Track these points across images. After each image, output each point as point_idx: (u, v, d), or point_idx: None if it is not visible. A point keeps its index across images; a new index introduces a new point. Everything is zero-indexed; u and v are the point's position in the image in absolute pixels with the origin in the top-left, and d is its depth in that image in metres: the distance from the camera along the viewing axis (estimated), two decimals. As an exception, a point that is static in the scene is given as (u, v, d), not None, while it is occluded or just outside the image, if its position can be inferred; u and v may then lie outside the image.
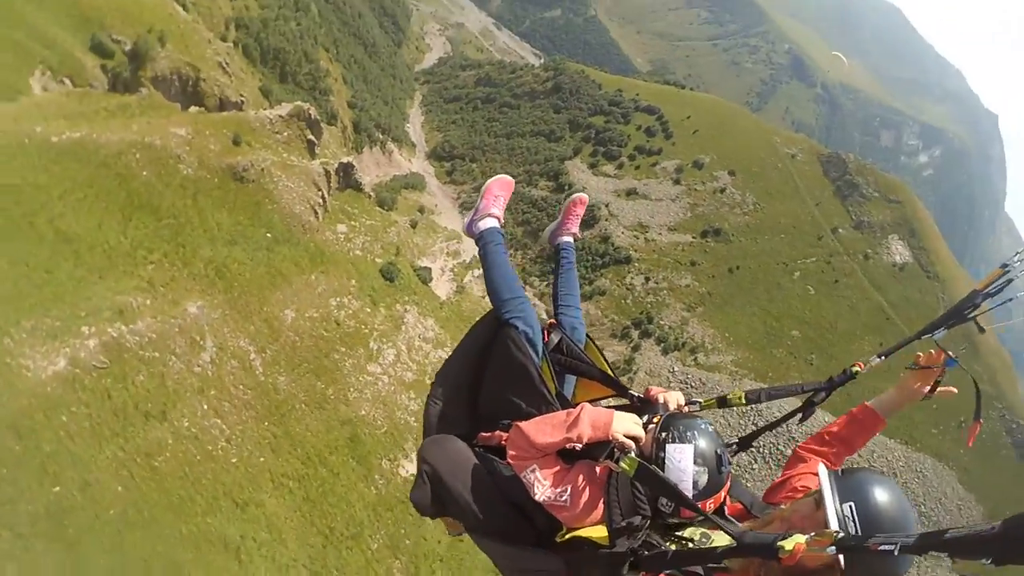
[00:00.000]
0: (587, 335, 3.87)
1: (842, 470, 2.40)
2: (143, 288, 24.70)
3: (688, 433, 2.57)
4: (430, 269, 50.19)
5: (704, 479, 2.50)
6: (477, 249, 3.94)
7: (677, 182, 73.37)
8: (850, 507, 2.20)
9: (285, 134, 40.57)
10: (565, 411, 2.87)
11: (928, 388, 3.04)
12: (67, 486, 17.57)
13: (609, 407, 3.08)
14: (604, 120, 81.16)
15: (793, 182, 74.91)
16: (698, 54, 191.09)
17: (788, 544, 2.00)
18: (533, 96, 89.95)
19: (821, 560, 2.15)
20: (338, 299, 34.55)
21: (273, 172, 35.96)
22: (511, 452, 2.85)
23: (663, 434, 2.60)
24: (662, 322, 60.03)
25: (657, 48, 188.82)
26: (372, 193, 51.44)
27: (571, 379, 3.76)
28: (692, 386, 54.81)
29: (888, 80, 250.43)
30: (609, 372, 3.58)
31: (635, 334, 58.75)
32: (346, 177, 46.29)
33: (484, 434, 3.44)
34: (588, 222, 67.58)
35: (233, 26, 55.26)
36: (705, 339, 59.56)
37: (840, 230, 71.20)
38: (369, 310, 35.95)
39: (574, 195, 4.44)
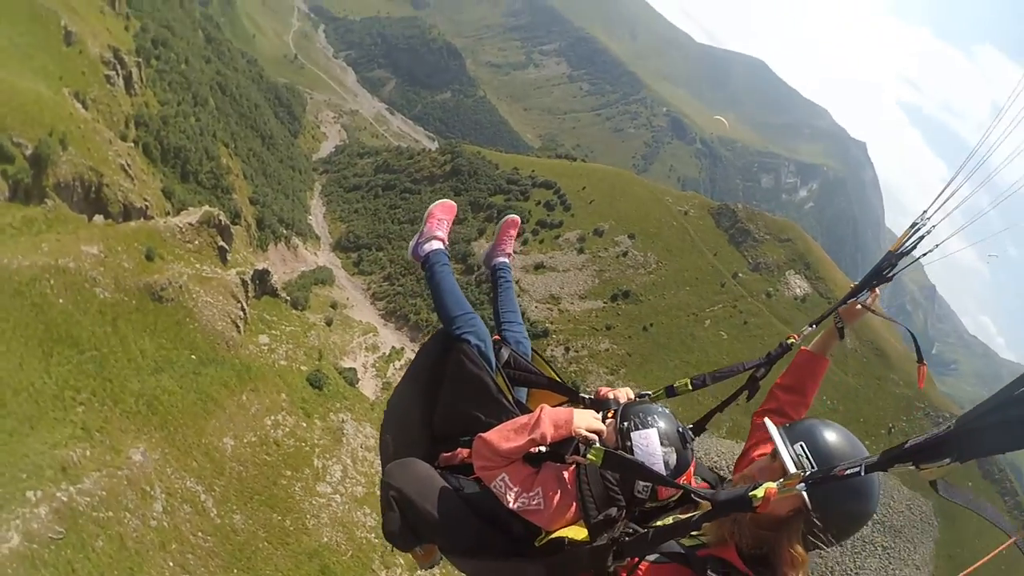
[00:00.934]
0: (532, 348, 3.93)
1: (789, 423, 2.50)
2: (79, 436, 23.94)
3: (648, 418, 2.65)
4: (355, 369, 49.85)
5: (673, 458, 2.58)
6: (423, 271, 3.99)
7: (581, 251, 77.05)
8: (801, 446, 2.32)
9: (196, 242, 40.33)
10: (525, 415, 2.90)
11: (847, 322, 3.23)
12: None
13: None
14: (504, 199, 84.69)
15: (689, 237, 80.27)
16: (583, 125, 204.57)
17: (759, 492, 2.08)
18: (433, 180, 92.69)
19: (792, 505, 2.25)
20: (272, 417, 34.00)
21: (191, 288, 35.67)
22: (478, 463, 2.86)
23: (624, 424, 2.66)
24: (589, 388, 60.76)
25: (545, 123, 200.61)
26: (287, 296, 50.99)
27: (522, 392, 3.78)
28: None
29: (761, 127, 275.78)
30: (557, 379, 3.68)
31: (565, 405, 59.77)
32: (262, 284, 46.02)
33: (445, 454, 3.46)
34: (502, 300, 69.43)
35: (133, 124, 54.80)
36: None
37: (740, 275, 76.58)
38: (305, 424, 35.54)
39: (506, 217, 4.57)
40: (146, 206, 44.09)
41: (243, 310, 39.28)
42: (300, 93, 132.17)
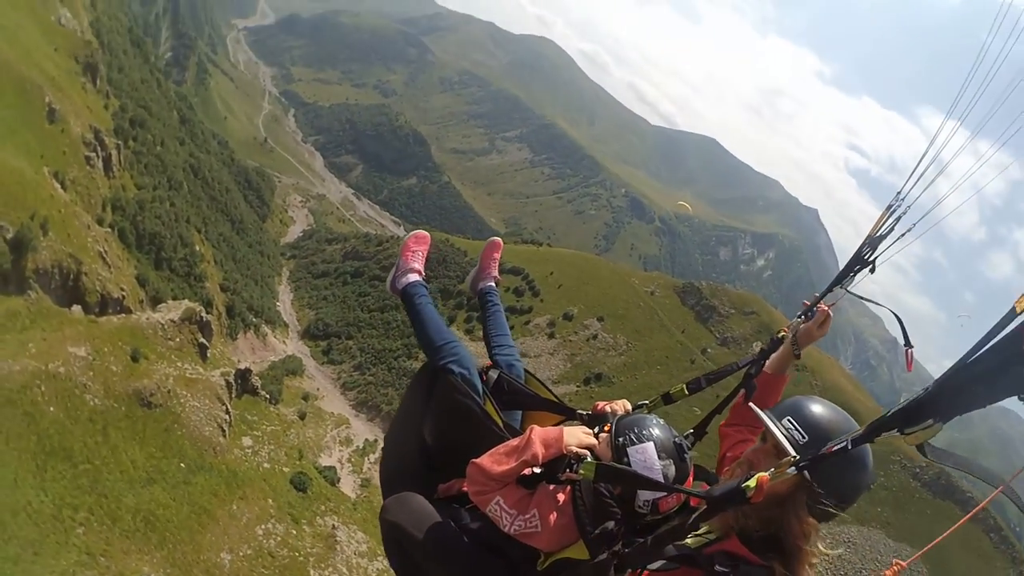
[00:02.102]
0: (525, 369, 3.93)
1: (772, 406, 2.56)
2: (84, 563, 23.90)
3: (643, 432, 2.62)
4: (334, 468, 49.27)
5: (672, 470, 2.56)
6: (403, 304, 3.98)
7: (551, 336, 78.63)
8: (789, 420, 2.37)
9: (177, 339, 40.45)
10: (517, 438, 2.89)
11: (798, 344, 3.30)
12: None
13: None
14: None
15: (657, 316, 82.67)
16: (546, 208, 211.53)
17: (751, 482, 2.08)
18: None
19: (791, 481, 2.25)
20: (263, 526, 33.65)
21: (178, 391, 35.62)
22: (472, 489, 2.86)
23: (619, 439, 2.62)
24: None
25: (508, 206, 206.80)
26: (267, 395, 50.58)
27: (517, 415, 3.78)
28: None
29: (716, 202, 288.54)
30: (553, 399, 3.66)
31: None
32: (243, 383, 45.66)
33: (443, 486, 3.46)
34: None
35: (110, 208, 54.85)
36: (611, 483, 61.63)
37: (709, 350, 78.75)
38: (295, 532, 35.14)
39: (489, 240, 4.57)
40: (123, 295, 44.13)
41: (228, 412, 39.09)
42: (269, 177, 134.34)
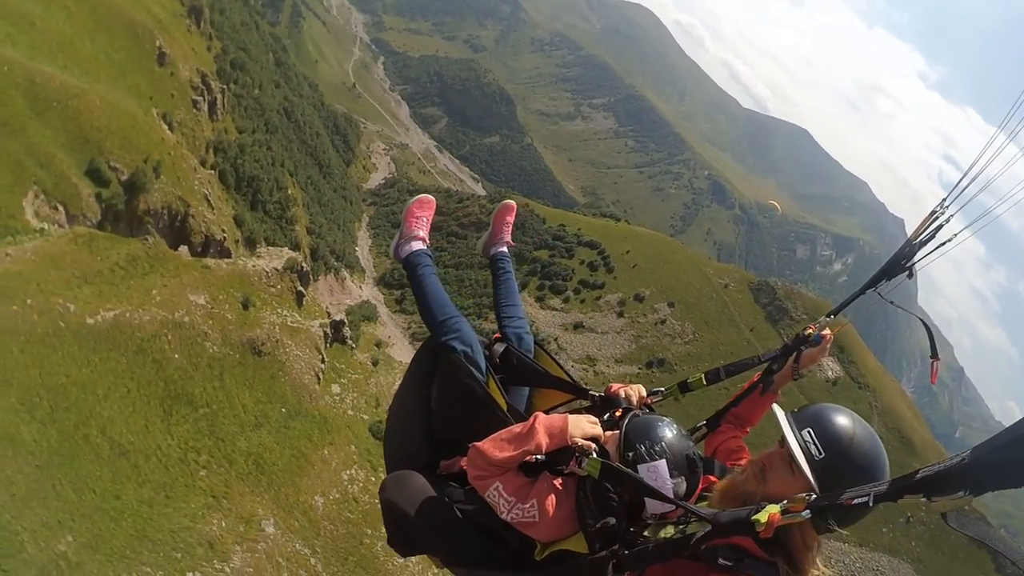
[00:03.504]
0: (536, 342, 3.87)
1: (798, 408, 2.50)
2: (211, 505, 26.56)
3: (656, 447, 2.54)
4: None
5: (683, 487, 2.52)
6: (405, 273, 3.90)
7: (621, 315, 79.40)
8: (809, 432, 2.30)
9: (278, 287, 42.54)
10: (519, 424, 2.86)
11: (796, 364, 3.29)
12: None
13: (574, 411, 3.23)
14: (549, 254, 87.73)
15: (728, 311, 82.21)
16: (625, 181, 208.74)
17: (762, 516, 2.03)
18: (480, 227, 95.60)
19: (798, 487, 2.27)
20: (348, 472, 36.11)
21: (284, 341, 37.99)
22: (471, 473, 2.85)
23: (630, 454, 2.56)
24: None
25: (588, 175, 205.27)
26: (354, 344, 53.16)
27: (524, 391, 3.75)
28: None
29: (800, 197, 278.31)
30: (564, 376, 3.58)
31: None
32: (336, 333, 48.34)
33: (445, 462, 3.44)
34: (539, 356, 72.08)
35: (213, 150, 58.20)
36: (661, 468, 63.07)
37: (774, 353, 77.86)
38: (374, 479, 37.27)
39: (502, 203, 4.47)
40: (224, 237, 46.80)
41: (323, 361, 41.56)
42: (356, 122, 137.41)
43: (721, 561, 2.33)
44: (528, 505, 2.69)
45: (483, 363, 3.44)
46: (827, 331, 3.27)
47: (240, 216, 56.84)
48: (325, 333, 43.96)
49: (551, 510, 2.66)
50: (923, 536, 62.64)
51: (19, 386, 24.30)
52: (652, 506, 2.52)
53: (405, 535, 3.12)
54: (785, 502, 2.08)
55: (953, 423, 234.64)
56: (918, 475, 1.76)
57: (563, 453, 2.68)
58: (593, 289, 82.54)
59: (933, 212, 3.04)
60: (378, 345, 65.61)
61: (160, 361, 30.11)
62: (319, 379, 40.20)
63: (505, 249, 4.38)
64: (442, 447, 3.45)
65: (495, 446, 2.78)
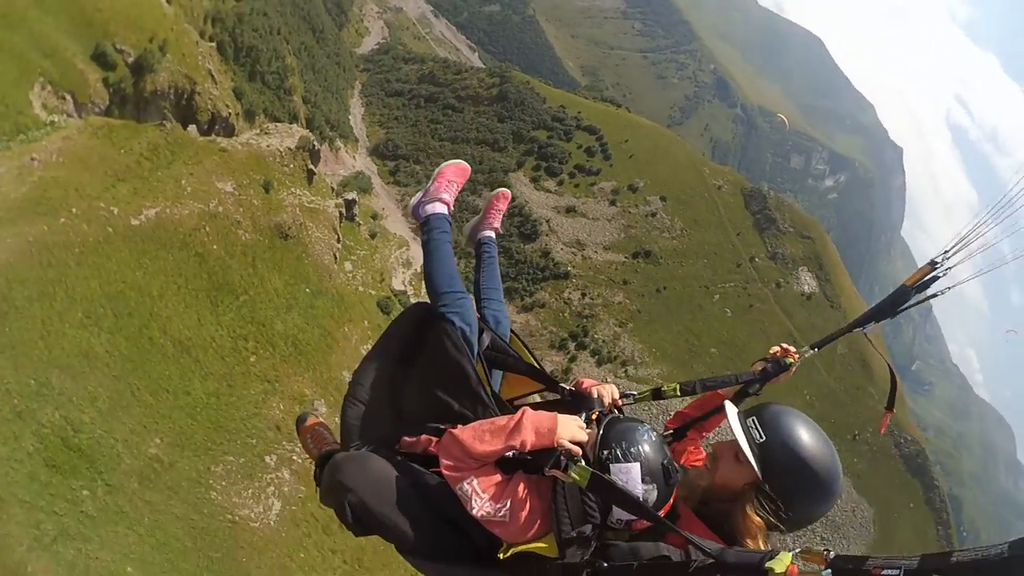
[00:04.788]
0: (511, 330, 3.85)
1: (751, 409, 2.65)
2: (268, 390, 29.25)
3: (632, 450, 2.55)
4: (406, 292, 54.54)
5: (653, 496, 2.52)
6: (421, 234, 3.83)
7: (613, 203, 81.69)
8: (753, 420, 2.54)
9: (291, 166, 43.35)
10: (505, 416, 2.81)
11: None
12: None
13: (540, 402, 3.30)
14: (547, 135, 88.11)
15: (718, 212, 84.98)
16: (628, 64, 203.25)
17: (778, 566, 2.00)
18: (477, 101, 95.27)
19: (747, 478, 2.50)
20: (364, 347, 37.91)
21: (307, 224, 39.51)
22: (445, 462, 2.78)
23: (604, 452, 2.58)
24: (596, 336, 68.15)
25: (590, 54, 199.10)
26: (361, 221, 54.55)
27: (497, 375, 3.68)
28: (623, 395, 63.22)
29: (804, 107, 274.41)
30: (536, 365, 3.57)
31: (572, 346, 66.78)
32: (348, 211, 49.95)
33: (407, 439, 3.30)
34: (530, 236, 74.82)
35: (211, 21, 57.18)
36: (635, 353, 68.25)
37: (757, 259, 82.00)
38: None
39: (497, 190, 4.44)
40: (229, 114, 47.20)
41: (339, 240, 43.15)
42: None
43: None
44: (500, 505, 2.66)
45: (476, 347, 3.37)
46: (794, 352, 3.36)
47: (239, 88, 56.84)
48: (340, 213, 45.40)
49: (523, 514, 2.64)
50: (865, 455, 69.80)
51: (82, 300, 25.70)
52: (620, 512, 2.52)
53: (361, 521, 2.93)
54: (799, 551, 2.02)
55: (911, 356, 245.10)
56: (953, 558, 1.72)
57: (546, 454, 2.64)
58: (588, 175, 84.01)
59: (932, 263, 3.08)
60: (374, 217, 67.28)
61: (202, 254, 31.62)
62: (336, 258, 42.05)
63: (492, 235, 4.37)
64: (404, 421, 3.35)
65: (476, 437, 2.74)
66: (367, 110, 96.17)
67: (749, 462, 2.52)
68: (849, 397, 72.78)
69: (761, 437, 2.54)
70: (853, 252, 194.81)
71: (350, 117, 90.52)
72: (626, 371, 66.32)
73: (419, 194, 3.88)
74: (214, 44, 55.22)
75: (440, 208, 3.78)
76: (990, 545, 1.68)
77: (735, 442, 2.59)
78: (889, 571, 1.84)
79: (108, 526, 22.58)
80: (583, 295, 71.68)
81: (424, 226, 3.77)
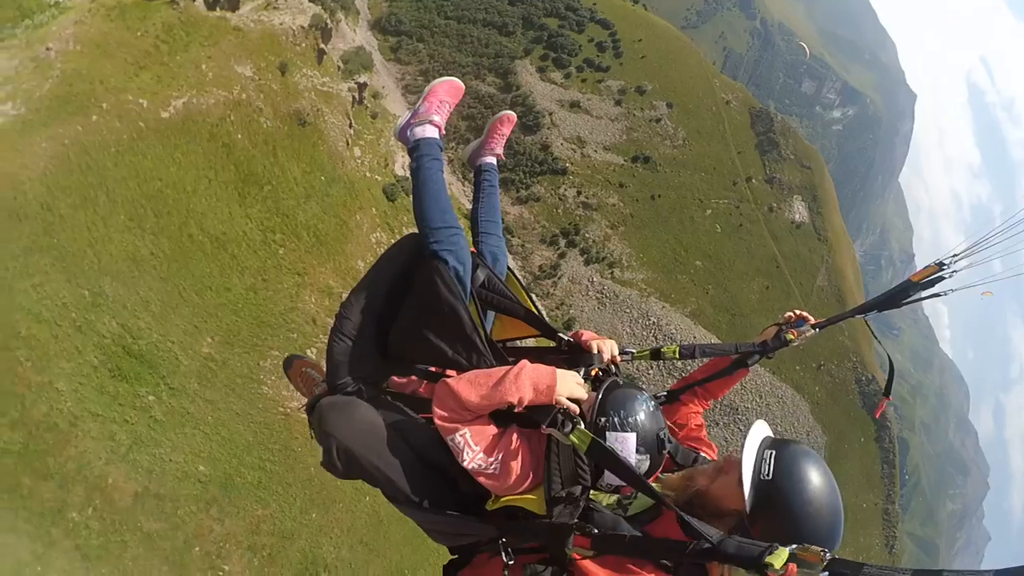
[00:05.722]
0: (508, 268, 3.76)
1: (775, 452, 2.56)
2: (300, 283, 30.40)
3: (630, 419, 2.60)
4: (407, 178, 54.19)
5: (646, 465, 2.59)
6: (409, 160, 3.60)
7: (618, 103, 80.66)
8: (770, 453, 2.54)
9: (303, 45, 42.51)
10: (503, 368, 2.79)
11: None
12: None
13: (535, 351, 3.35)
14: (558, 24, 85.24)
15: (722, 127, 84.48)
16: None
17: (776, 561, 2.04)
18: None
19: (736, 505, 2.53)
20: (375, 235, 39.21)
21: (323, 109, 39.20)
22: (439, 412, 2.75)
23: (602, 419, 2.63)
24: (587, 235, 69.53)
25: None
26: (368, 105, 53.57)
27: (490, 316, 3.61)
28: (607, 296, 65.59)
29: (825, 33, 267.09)
30: (533, 309, 3.51)
31: (562, 242, 68.26)
32: (358, 96, 49.38)
33: (397, 379, 3.39)
34: (531, 127, 74.25)
35: None
36: (623, 256, 69.94)
37: (753, 180, 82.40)
38: (391, 240, 40.95)
39: (501, 113, 4.31)
40: None
41: (351, 126, 42.88)
42: None
43: (662, 562, 2.47)
44: (492, 458, 2.67)
45: (469, 286, 3.26)
46: (811, 319, 3.48)
47: None
48: (353, 97, 45.06)
49: (514, 469, 2.65)
50: (826, 385, 72.94)
51: (124, 202, 25.98)
52: (611, 476, 2.57)
53: (347, 467, 2.91)
54: (796, 548, 2.06)
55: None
56: None
57: (543, 410, 2.64)
58: (597, 71, 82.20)
59: (940, 264, 3.11)
60: (375, 96, 65.74)
61: (228, 145, 31.81)
62: (348, 144, 42.08)
63: (494, 160, 4.22)
64: (393, 360, 3.31)
65: (471, 388, 2.71)
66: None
67: (743, 489, 2.49)
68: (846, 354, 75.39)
69: (768, 475, 2.50)
70: (848, 188, 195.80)
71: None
72: (612, 273, 68.25)
73: (407, 114, 3.67)
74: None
75: (431, 131, 3.56)
76: (979, 570, 1.77)
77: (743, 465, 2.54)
78: None
79: (176, 428, 24.14)
80: (579, 193, 72.16)
81: (413, 152, 3.55)
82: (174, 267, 26.39)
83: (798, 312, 3.49)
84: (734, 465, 2.61)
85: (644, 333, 63.71)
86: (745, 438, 2.63)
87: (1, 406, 19.93)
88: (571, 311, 64.31)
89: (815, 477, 2.50)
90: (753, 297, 75.15)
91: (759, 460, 2.53)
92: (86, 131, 25.99)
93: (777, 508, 2.43)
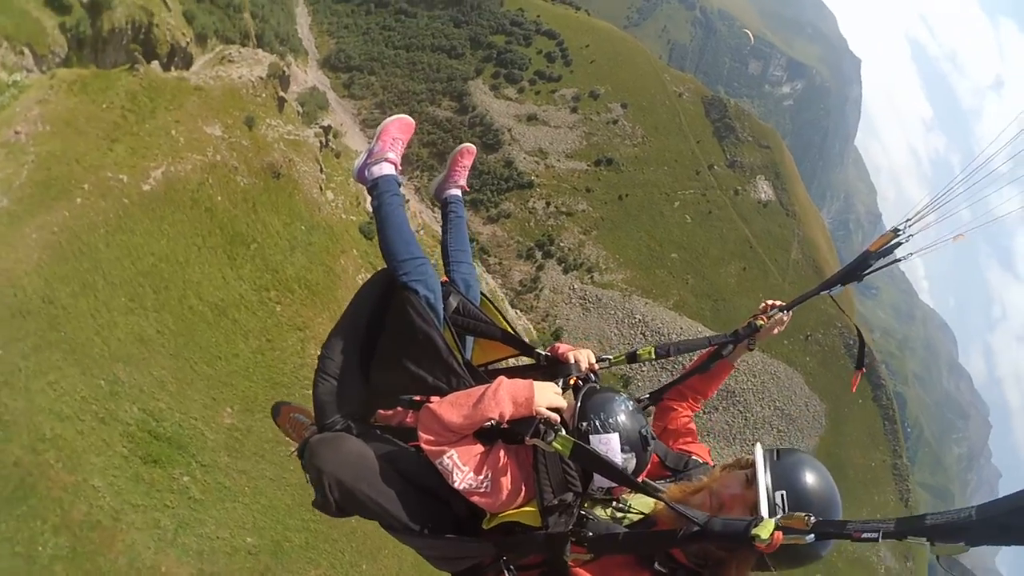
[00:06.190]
0: (482, 293, 3.89)
1: (777, 451, 2.53)
2: (303, 338, 30.84)
3: (610, 420, 2.68)
4: None
5: (633, 463, 2.65)
6: (370, 199, 3.70)
7: (574, 110, 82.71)
8: (782, 496, 2.35)
9: (263, 96, 42.42)
10: (481, 387, 2.84)
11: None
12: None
13: (514, 370, 3.41)
14: (505, 40, 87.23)
15: (678, 119, 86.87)
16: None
17: (763, 532, 2.07)
18: (431, 5, 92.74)
19: (736, 485, 2.51)
20: (360, 276, 39.08)
21: (294, 159, 39.41)
22: (425, 437, 2.80)
23: (584, 424, 2.69)
24: (562, 244, 71.33)
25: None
26: (334, 147, 54.12)
27: (469, 340, 3.73)
28: (590, 301, 67.11)
29: (765, 12, 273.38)
30: (510, 330, 3.59)
31: (539, 255, 69.90)
32: (325, 140, 49.65)
33: (383, 412, 3.45)
34: (492, 146, 75.85)
35: None
36: (599, 260, 71.76)
37: (715, 167, 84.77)
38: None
39: (461, 146, 4.38)
40: (187, 43, 45.15)
41: (322, 171, 43.03)
42: None
43: (657, 566, 2.56)
44: (482, 476, 2.73)
45: (442, 313, 3.38)
46: (785, 316, 3.53)
47: (189, 11, 52.91)
48: (320, 142, 45.19)
49: (505, 483, 2.72)
50: (816, 354, 74.97)
51: (122, 283, 26.22)
52: (600, 479, 2.66)
53: (339, 504, 2.96)
54: (781, 517, 2.16)
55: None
56: (927, 521, 1.88)
57: (525, 422, 2.72)
58: (549, 81, 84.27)
59: (895, 230, 3.18)
60: (335, 136, 66.48)
61: (210, 208, 31.89)
62: (321, 189, 42.27)
63: (459, 192, 4.35)
64: (378, 394, 3.41)
65: (452, 409, 2.77)
66: (314, 19, 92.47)
67: (757, 470, 2.47)
68: (830, 326, 76.81)
69: (776, 457, 2.54)
70: (806, 159, 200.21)
71: (297, 28, 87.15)
72: (592, 277, 69.98)
73: (363, 155, 3.78)
74: (160, -36, 52.47)
75: (388, 169, 3.68)
76: (959, 509, 1.83)
77: (747, 496, 2.47)
78: (868, 533, 1.98)
79: (216, 505, 24.40)
80: (547, 204, 73.90)
81: (373, 190, 3.66)
82: (181, 341, 26.90)
83: (768, 303, 3.60)
84: (742, 502, 2.53)
85: (631, 332, 65.35)
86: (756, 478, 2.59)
87: (41, 512, 20.18)
88: (557, 321, 65.75)
89: (813, 460, 2.56)
90: (732, 281, 77.17)
91: (772, 506, 2.45)
92: (73, 215, 26.25)
93: (787, 480, 2.42)
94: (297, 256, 35.79)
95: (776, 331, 3.59)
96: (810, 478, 2.41)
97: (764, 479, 2.40)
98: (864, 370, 3.89)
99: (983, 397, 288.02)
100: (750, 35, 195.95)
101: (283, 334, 31.37)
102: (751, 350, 3.62)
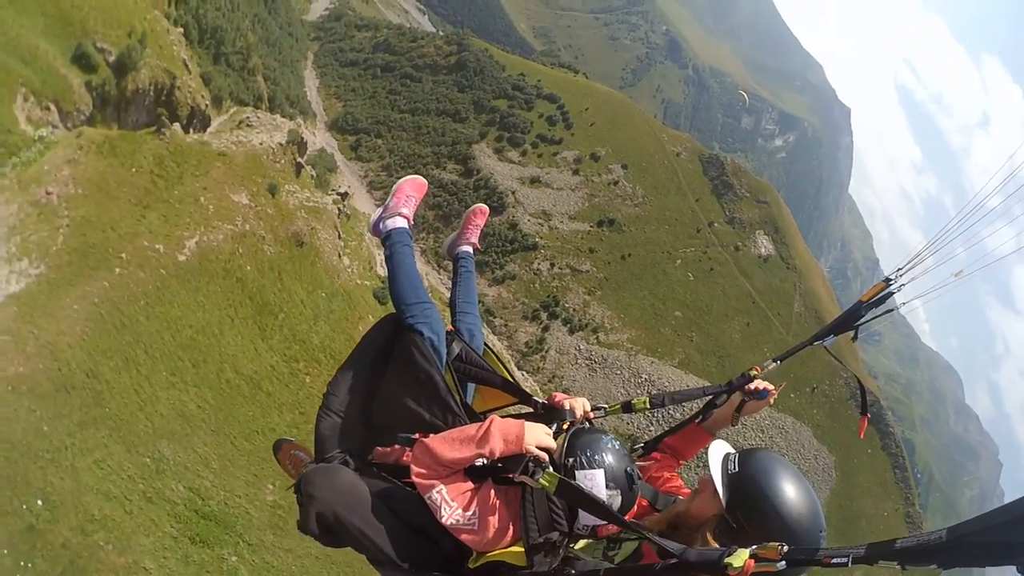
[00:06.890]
0: (485, 343, 4.05)
1: (738, 459, 2.71)
2: None
3: (596, 457, 2.73)
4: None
5: (618, 501, 2.69)
6: (383, 249, 4.03)
7: (576, 172, 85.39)
8: (733, 454, 2.68)
9: (282, 162, 43.47)
10: (474, 425, 2.96)
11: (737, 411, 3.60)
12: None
13: (511, 415, 3.34)
14: (508, 104, 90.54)
15: (677, 178, 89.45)
16: (580, 25, 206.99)
17: (736, 561, 2.12)
18: (435, 70, 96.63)
19: (714, 509, 2.64)
20: None
21: (316, 227, 40.20)
22: (416, 470, 2.88)
23: (570, 460, 2.75)
24: (567, 304, 72.81)
25: (541, 15, 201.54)
26: (348, 212, 55.63)
27: (470, 387, 3.89)
28: (596, 362, 68.25)
29: (754, 67, 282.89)
30: (510, 379, 3.78)
31: (544, 316, 71.30)
32: (342, 206, 51.40)
33: (381, 449, 3.54)
34: (497, 208, 77.97)
35: (174, 2, 56.58)
36: (604, 319, 73.15)
37: (715, 224, 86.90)
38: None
39: (474, 206, 4.68)
40: (206, 105, 46.58)
41: (340, 238, 44.28)
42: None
43: None
44: (470, 513, 2.80)
45: (445, 356, 3.57)
46: (772, 388, 3.59)
47: (207, 74, 55.16)
48: (339, 209, 46.36)
49: (492, 522, 2.79)
50: (824, 406, 75.61)
51: (162, 356, 26.53)
52: (585, 517, 2.72)
53: (330, 531, 3.06)
54: (755, 547, 2.16)
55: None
56: (896, 545, 1.86)
57: (514, 460, 2.80)
58: (551, 144, 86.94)
59: (887, 280, 3.25)
60: (343, 196, 68.51)
61: (241, 279, 32.53)
62: (339, 256, 43.07)
63: (470, 249, 4.58)
64: (377, 431, 3.56)
65: (446, 445, 2.87)
66: (322, 82, 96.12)
67: (716, 483, 2.64)
68: (806, 353, 76.77)
69: (735, 468, 2.68)
70: (802, 210, 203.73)
71: (306, 91, 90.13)
72: (597, 337, 71.26)
73: (379, 210, 4.11)
74: (181, 29, 54.97)
75: (400, 222, 4.00)
76: (930, 532, 1.83)
77: (715, 503, 2.65)
78: (838, 559, 2.01)
79: None
80: (552, 265, 75.70)
81: (386, 241, 3.98)
82: (221, 416, 27.21)
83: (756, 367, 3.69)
84: (706, 481, 2.76)
85: (638, 392, 66.26)
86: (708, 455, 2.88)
87: (95, 599, 20.11)
88: (564, 382, 66.54)
89: (776, 462, 2.68)
90: (736, 336, 78.24)
91: (724, 462, 2.74)
92: (113, 286, 26.23)
93: (747, 492, 2.59)
94: (321, 325, 36.30)
95: (771, 400, 3.64)
96: (763, 451, 2.73)
97: (719, 446, 2.80)
98: (869, 416, 4.07)
99: (992, 435, 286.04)
100: (745, 96, 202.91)
101: (314, 405, 31.42)
102: (734, 425, 3.66)
